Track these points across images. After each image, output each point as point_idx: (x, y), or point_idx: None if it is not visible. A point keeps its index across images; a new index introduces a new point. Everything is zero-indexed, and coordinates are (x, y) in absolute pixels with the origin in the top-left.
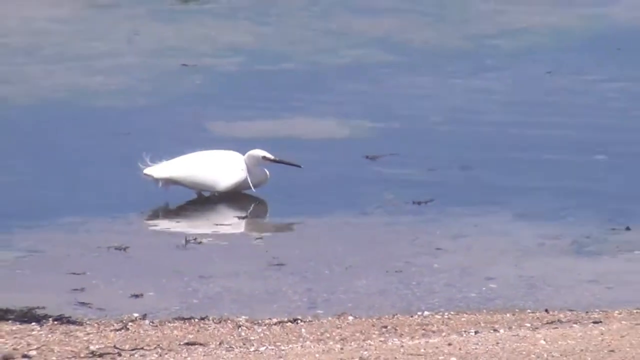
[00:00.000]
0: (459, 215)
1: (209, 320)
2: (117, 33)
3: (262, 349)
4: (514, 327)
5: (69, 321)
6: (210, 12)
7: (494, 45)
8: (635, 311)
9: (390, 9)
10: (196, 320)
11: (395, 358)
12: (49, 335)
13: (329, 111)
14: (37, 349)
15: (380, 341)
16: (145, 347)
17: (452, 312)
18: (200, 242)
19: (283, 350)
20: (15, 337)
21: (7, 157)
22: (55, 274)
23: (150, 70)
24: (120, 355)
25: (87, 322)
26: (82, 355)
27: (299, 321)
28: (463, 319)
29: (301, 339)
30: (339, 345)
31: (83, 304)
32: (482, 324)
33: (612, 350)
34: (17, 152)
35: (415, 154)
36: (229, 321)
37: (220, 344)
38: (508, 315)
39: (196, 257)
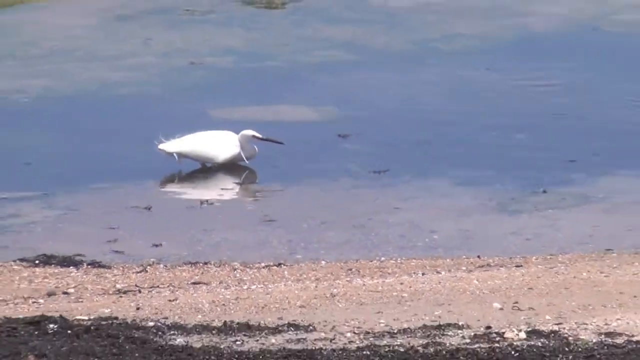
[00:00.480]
0: (410, 181)
1: (210, 264)
2: (135, 38)
3: (253, 287)
4: (452, 269)
5: (100, 265)
6: (210, 21)
7: (436, 48)
8: (548, 257)
9: (353, 19)
10: (200, 264)
11: (359, 294)
12: (84, 277)
13: (305, 100)
14: (74, 287)
15: (347, 280)
16: (160, 286)
17: (403, 258)
18: (212, 204)
19: (269, 288)
20: (57, 278)
21: (51, 136)
22: (90, 228)
23: (163, 67)
24: (140, 292)
25: (114, 266)
26: (110, 292)
27: (282, 265)
28: (412, 263)
29: (284, 279)
30: (314, 284)
31: (112, 252)
32: (428, 267)
33: (531, 288)
34: (60, 131)
35: (376, 133)
36: (226, 265)
37: (219, 283)
38: (448, 260)
39: (202, 215)
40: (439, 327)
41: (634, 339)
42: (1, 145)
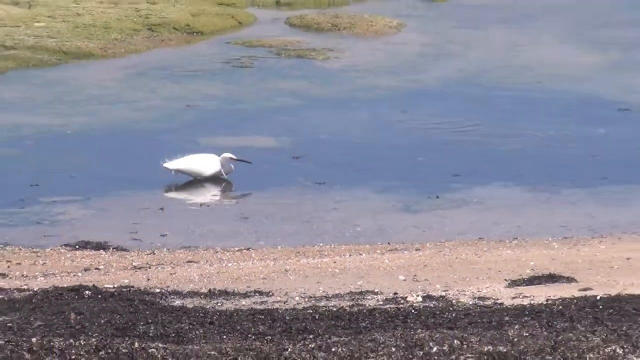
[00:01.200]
0: (341, 190)
1: (200, 248)
2: (148, 88)
3: (229, 265)
4: (370, 253)
5: (122, 249)
6: (200, 76)
7: (359, 96)
8: (439, 244)
9: (300, 76)
10: (193, 248)
11: (304, 270)
12: (110, 257)
13: (268, 132)
14: (103, 265)
15: (296, 260)
16: (164, 264)
17: (336, 244)
18: (201, 206)
19: (241, 265)
20: (91, 258)
21: (88, 157)
22: (116, 223)
23: (167, 109)
24: (150, 268)
25: (132, 250)
26: (128, 268)
27: (250, 249)
28: (342, 248)
29: (252, 259)
30: (272, 263)
31: (131, 240)
32: (353, 251)
33: (426, 265)
34: (94, 154)
35: (318, 156)
36: (211, 249)
37: (206, 262)
38: (367, 246)
39: (195, 214)
40: (360, 293)
41: (499, 301)
42: (52, 164)
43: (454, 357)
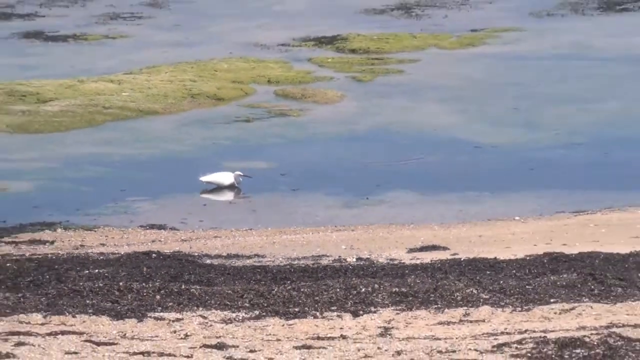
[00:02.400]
0: (308, 194)
1: (222, 229)
2: (189, 132)
3: (240, 239)
4: (324, 232)
5: (175, 229)
6: (221, 125)
7: (317, 137)
8: (366, 226)
9: (280, 125)
10: (218, 229)
11: (285, 242)
12: (167, 234)
13: (263, 159)
14: (162, 239)
15: (280, 236)
16: (200, 238)
17: (303, 227)
18: (227, 203)
19: (247, 239)
20: (155, 235)
21: (154, 173)
22: (171, 214)
23: (201, 144)
24: (191, 240)
25: (182, 230)
26: (178, 240)
27: (252, 229)
28: (307, 229)
29: (252, 235)
30: (265, 237)
31: (181, 223)
32: (314, 231)
33: (358, 239)
34: (158, 172)
35: (295, 173)
36: (222, 230)
37: (226, 237)
38: (322, 228)
39: (220, 208)
40: (318, 256)
41: (402, 261)
42: (132, 177)
43: (375, 294)
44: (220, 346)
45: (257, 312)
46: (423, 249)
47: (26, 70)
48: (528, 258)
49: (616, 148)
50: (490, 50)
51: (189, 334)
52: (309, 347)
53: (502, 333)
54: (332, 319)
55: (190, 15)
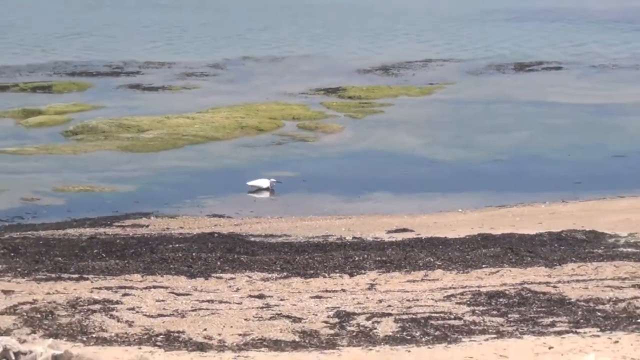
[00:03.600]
0: (321, 194)
1: (262, 217)
2: (240, 151)
3: (273, 224)
4: (330, 219)
5: (230, 217)
6: (260, 147)
7: (328, 155)
8: (360, 216)
9: (300, 148)
10: (260, 217)
11: (304, 226)
12: (225, 221)
13: (290, 170)
14: (222, 224)
15: (301, 222)
16: (248, 224)
17: (316, 216)
18: (264, 198)
19: (279, 224)
20: (217, 221)
21: (217, 179)
22: (227, 208)
23: (249, 159)
24: (242, 225)
25: (235, 218)
26: (233, 225)
27: (282, 217)
28: (318, 217)
29: (282, 221)
30: (291, 223)
31: (236, 214)
32: (322, 219)
33: (353, 224)
34: (220, 179)
35: (312, 180)
36: (262, 218)
37: (264, 222)
38: (328, 217)
39: (261, 202)
40: (326, 236)
41: (382, 239)
42: (199, 181)
43: (364, 261)
44: (260, 296)
45: (285, 274)
46: (397, 231)
47: (130, 110)
48: (467, 237)
49: (526, 163)
50: (441, 97)
51: (239, 288)
52: (320, 297)
53: (450, 288)
54: (335, 278)
55: (241, 73)
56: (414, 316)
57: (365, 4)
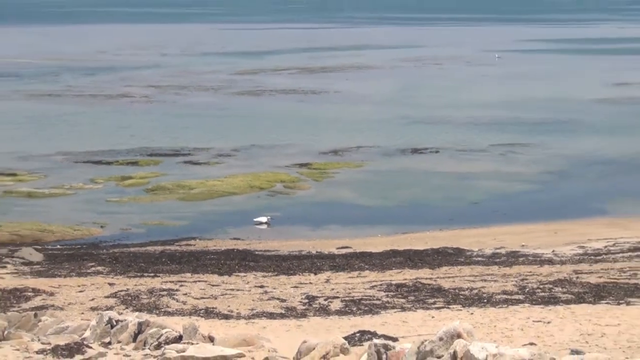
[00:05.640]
0: (292, 225)
1: (257, 240)
2: (256, 198)
3: (265, 243)
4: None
5: (242, 239)
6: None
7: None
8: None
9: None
10: (265, 239)
11: (280, 244)
12: (239, 241)
13: (275, 211)
14: (238, 244)
15: (280, 242)
16: (249, 244)
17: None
18: (265, 226)
19: (269, 243)
20: (234, 242)
21: (236, 212)
22: (243, 233)
23: (257, 198)
24: (258, 243)
25: (243, 240)
26: (241, 245)
27: (274, 239)
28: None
29: (274, 241)
30: (277, 242)
31: (255, 235)
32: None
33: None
34: (241, 213)
35: (288, 217)
36: (262, 240)
37: (259, 242)
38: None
39: (264, 232)
40: (300, 251)
41: (334, 253)
42: (208, 210)
43: (323, 266)
44: (261, 286)
45: (276, 273)
46: (342, 247)
47: (184, 176)
48: (383, 251)
49: (419, 207)
50: (368, 168)
51: (249, 281)
52: (297, 287)
53: (373, 281)
54: (306, 276)
55: (249, 155)
56: (352, 298)
57: (315, 114)
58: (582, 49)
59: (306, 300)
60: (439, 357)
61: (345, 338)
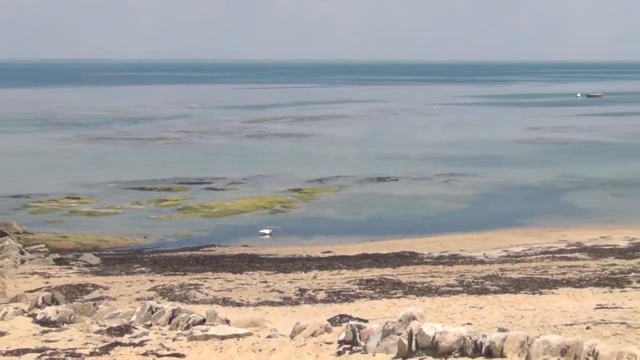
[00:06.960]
0: (290, 235)
1: (262, 246)
2: (263, 216)
3: (268, 250)
4: (340, 245)
5: (250, 246)
6: (276, 213)
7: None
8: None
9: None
10: (269, 246)
11: (280, 250)
12: (248, 248)
13: (275, 225)
14: (247, 250)
15: (279, 249)
16: (266, 249)
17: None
18: (267, 237)
19: (272, 249)
20: (243, 248)
21: (236, 230)
22: (249, 242)
23: (262, 214)
24: (263, 245)
25: (251, 246)
26: (249, 251)
27: (275, 246)
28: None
29: (274, 247)
30: (277, 248)
31: (260, 242)
32: (333, 245)
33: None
34: (242, 229)
35: (286, 229)
36: (266, 247)
37: (263, 249)
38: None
39: (268, 240)
40: (297, 255)
41: (320, 256)
42: (219, 225)
43: (311, 266)
44: (264, 281)
45: (276, 271)
46: (326, 252)
47: (206, 198)
48: (357, 255)
49: (384, 221)
50: (346, 192)
51: (254, 278)
52: (292, 282)
53: (349, 277)
54: (298, 273)
55: (255, 182)
56: (333, 290)
57: (305, 152)
58: (503, 102)
59: (299, 292)
60: (399, 334)
61: (329, 320)
